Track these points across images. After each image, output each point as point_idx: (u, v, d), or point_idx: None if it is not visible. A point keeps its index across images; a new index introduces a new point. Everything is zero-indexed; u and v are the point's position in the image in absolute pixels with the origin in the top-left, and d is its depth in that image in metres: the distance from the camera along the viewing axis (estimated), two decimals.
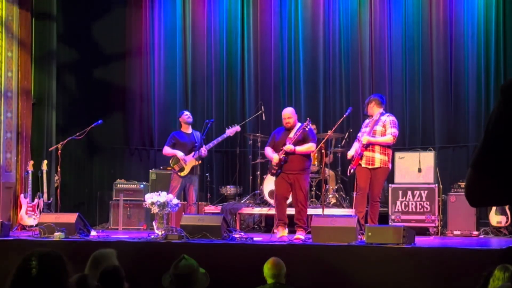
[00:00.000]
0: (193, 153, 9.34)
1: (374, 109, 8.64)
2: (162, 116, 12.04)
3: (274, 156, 8.42)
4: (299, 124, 8.61)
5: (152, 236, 7.95)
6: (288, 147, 8.30)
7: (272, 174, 8.57)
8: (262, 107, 10.71)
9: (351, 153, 8.65)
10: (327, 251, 7.02)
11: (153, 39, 12.17)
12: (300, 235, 8.17)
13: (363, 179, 8.45)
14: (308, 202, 8.77)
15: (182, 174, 9.34)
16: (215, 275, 5.09)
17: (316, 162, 10.16)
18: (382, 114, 8.60)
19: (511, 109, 1.73)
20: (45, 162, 10.26)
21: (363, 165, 8.45)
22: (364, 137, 8.48)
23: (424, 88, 10.87)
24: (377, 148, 8.46)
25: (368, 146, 8.46)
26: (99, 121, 10.03)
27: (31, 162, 10.16)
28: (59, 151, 9.73)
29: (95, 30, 11.85)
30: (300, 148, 8.35)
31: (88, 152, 11.39)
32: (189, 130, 9.60)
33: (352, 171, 8.61)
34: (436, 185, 9.45)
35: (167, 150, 9.51)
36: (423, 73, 10.89)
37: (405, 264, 6.67)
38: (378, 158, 8.44)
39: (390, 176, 9.96)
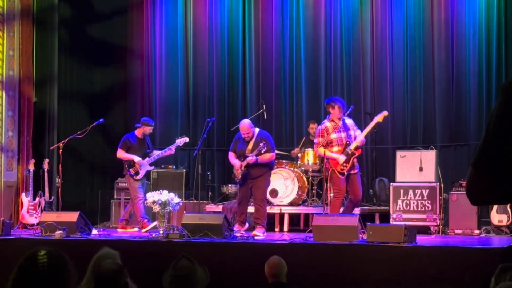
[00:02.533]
0: (147, 158, 9.68)
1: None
2: (163, 115, 12.04)
3: (236, 163, 8.90)
4: (257, 130, 9.00)
5: (153, 235, 7.95)
6: (250, 159, 8.73)
7: (237, 183, 9.12)
8: (264, 106, 10.71)
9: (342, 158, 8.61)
10: (328, 250, 7.03)
11: (154, 39, 12.17)
12: (258, 232, 8.58)
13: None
14: (266, 201, 9.20)
15: (137, 177, 9.61)
16: (216, 274, 5.08)
17: (317, 161, 10.17)
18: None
19: (511, 109, 1.73)
20: (47, 161, 10.26)
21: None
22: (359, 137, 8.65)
23: (426, 87, 10.87)
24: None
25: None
26: (101, 120, 10.04)
27: (33, 161, 10.17)
28: (61, 150, 9.74)
29: (96, 29, 11.85)
30: (262, 158, 8.80)
31: (90, 151, 11.39)
32: (142, 136, 9.81)
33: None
34: (438, 183, 9.44)
35: (122, 153, 9.71)
36: (425, 72, 10.88)
37: (406, 263, 6.67)
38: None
39: (391, 175, 9.99)
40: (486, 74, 10.43)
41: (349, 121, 8.78)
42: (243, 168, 8.79)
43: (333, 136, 8.59)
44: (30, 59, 10.50)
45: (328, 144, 8.60)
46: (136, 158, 9.59)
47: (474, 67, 10.53)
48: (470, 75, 10.56)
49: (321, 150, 8.62)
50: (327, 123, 8.69)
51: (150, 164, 9.77)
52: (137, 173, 9.58)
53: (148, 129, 9.77)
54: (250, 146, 8.86)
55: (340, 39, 11.43)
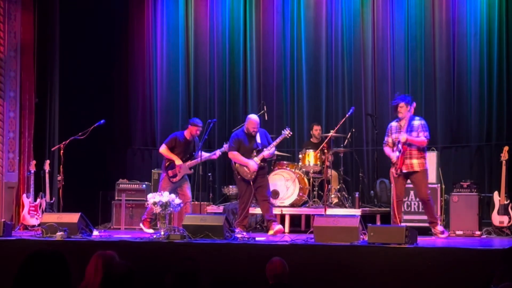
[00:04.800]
0: (189, 162, 9.52)
1: (403, 111, 8.60)
2: (164, 116, 12.04)
3: (251, 163, 9.12)
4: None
5: (155, 236, 7.95)
6: (268, 153, 9.24)
7: (251, 180, 9.17)
8: (265, 107, 10.71)
9: (394, 156, 8.54)
10: (329, 251, 7.02)
11: (155, 39, 12.18)
12: (277, 227, 9.04)
13: (400, 187, 8.57)
14: None
15: (174, 180, 9.48)
16: (217, 275, 5.10)
17: (318, 162, 10.17)
18: (412, 119, 8.59)
19: None
20: (48, 162, 10.27)
21: (404, 170, 8.48)
22: (402, 135, 8.46)
23: (427, 88, 10.86)
24: (414, 153, 8.49)
25: (406, 146, 8.46)
26: (102, 121, 10.04)
27: (34, 162, 10.18)
28: (62, 151, 9.74)
29: (97, 30, 11.85)
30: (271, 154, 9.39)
31: (91, 152, 11.39)
32: (191, 137, 9.66)
33: (399, 171, 8.49)
34: (439, 185, 9.45)
35: (165, 151, 9.56)
36: (426, 73, 10.88)
37: (407, 264, 6.66)
38: (416, 162, 8.49)
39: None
40: (488, 74, 10.42)
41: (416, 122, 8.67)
42: (259, 163, 9.13)
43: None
44: (31, 60, 10.50)
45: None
46: (178, 161, 9.45)
47: (475, 68, 10.52)
48: (471, 76, 10.55)
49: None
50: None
51: (191, 168, 9.61)
52: (174, 176, 9.47)
53: (195, 130, 9.58)
54: (258, 140, 9.25)
55: (341, 39, 11.43)
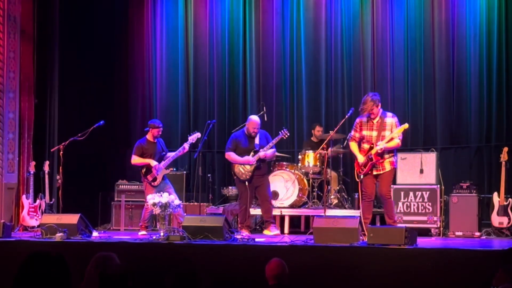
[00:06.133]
0: (163, 162, 9.53)
1: (375, 110, 8.18)
2: (164, 117, 12.02)
3: (246, 159, 9.16)
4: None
5: (154, 237, 7.95)
6: (264, 154, 9.22)
7: (246, 180, 9.21)
8: (264, 108, 10.71)
9: (361, 159, 8.16)
10: (329, 252, 7.02)
11: (155, 40, 12.18)
12: (274, 230, 9.09)
13: (370, 185, 8.20)
14: None
15: (155, 184, 9.46)
16: (217, 276, 5.09)
17: (318, 163, 10.18)
18: (384, 115, 8.23)
19: None
20: (47, 163, 10.27)
21: (374, 173, 8.16)
22: (380, 145, 8.04)
23: (426, 89, 10.87)
24: (385, 156, 8.13)
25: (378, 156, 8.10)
26: (101, 122, 10.03)
27: (33, 163, 10.17)
28: (61, 152, 9.73)
29: (97, 31, 11.85)
30: (270, 155, 9.41)
31: (90, 153, 11.38)
32: (154, 139, 9.68)
33: (362, 177, 8.17)
34: (438, 186, 9.45)
35: (137, 160, 9.57)
36: (425, 74, 10.88)
37: (407, 265, 6.66)
38: (387, 161, 8.16)
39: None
40: (487, 76, 10.42)
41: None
42: (255, 163, 9.17)
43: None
44: (31, 61, 10.51)
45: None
46: (153, 162, 9.47)
47: (475, 69, 10.52)
48: (471, 77, 10.55)
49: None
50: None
51: (167, 167, 9.61)
52: (154, 180, 9.47)
53: (156, 131, 9.63)
54: (257, 141, 9.30)
55: (340, 41, 11.43)
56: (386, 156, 8.16)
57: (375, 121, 8.22)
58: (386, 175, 8.18)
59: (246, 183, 9.18)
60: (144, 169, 9.53)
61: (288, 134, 9.53)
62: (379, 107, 8.23)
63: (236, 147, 9.29)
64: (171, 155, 9.60)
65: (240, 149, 9.27)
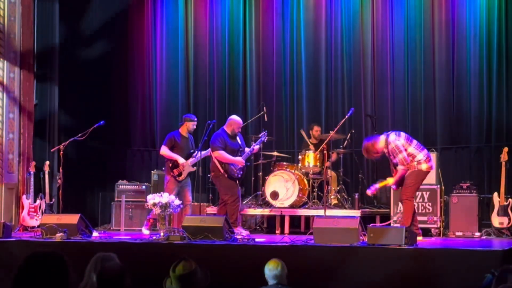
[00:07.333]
0: (191, 159, 9.43)
1: (377, 155, 8.26)
2: (164, 117, 12.04)
3: (239, 159, 9.20)
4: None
5: (154, 237, 7.95)
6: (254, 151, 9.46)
7: (238, 179, 9.27)
8: (264, 108, 10.72)
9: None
10: (329, 252, 7.02)
11: (155, 40, 12.18)
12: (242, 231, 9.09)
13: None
14: None
15: (180, 179, 9.38)
16: (217, 276, 5.08)
17: (318, 163, 10.18)
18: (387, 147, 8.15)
19: None
20: (47, 163, 10.27)
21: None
22: (392, 185, 8.41)
23: (426, 89, 10.87)
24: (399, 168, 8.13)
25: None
26: (101, 122, 10.02)
27: (33, 163, 10.17)
28: (61, 152, 9.73)
29: (97, 31, 11.86)
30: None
31: (90, 153, 11.39)
32: (187, 134, 9.61)
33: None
34: (438, 186, 9.45)
35: (166, 152, 9.48)
36: (425, 74, 10.88)
37: (407, 265, 6.66)
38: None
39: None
40: (487, 76, 10.43)
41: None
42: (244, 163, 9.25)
43: None
44: (31, 62, 10.51)
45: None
46: (181, 160, 9.35)
47: (475, 69, 10.52)
48: (471, 77, 10.55)
49: None
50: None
51: (193, 165, 9.51)
52: (180, 174, 9.39)
53: (191, 125, 9.53)
54: (239, 141, 9.37)
55: (340, 41, 11.43)
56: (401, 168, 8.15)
57: (386, 154, 8.23)
58: (406, 176, 8.16)
59: (237, 181, 9.21)
60: (171, 163, 9.44)
61: (266, 138, 9.66)
62: (377, 145, 8.12)
63: (225, 146, 9.21)
64: (200, 153, 9.39)
65: (228, 149, 9.20)
